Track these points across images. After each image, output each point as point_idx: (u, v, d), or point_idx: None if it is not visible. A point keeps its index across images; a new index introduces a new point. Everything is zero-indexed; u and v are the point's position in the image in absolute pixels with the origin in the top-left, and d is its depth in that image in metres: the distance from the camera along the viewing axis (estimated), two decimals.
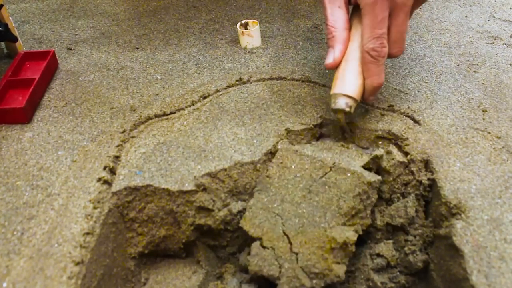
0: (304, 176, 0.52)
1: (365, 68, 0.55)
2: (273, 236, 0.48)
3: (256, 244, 0.49)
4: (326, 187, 0.50)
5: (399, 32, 0.55)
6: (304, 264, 0.46)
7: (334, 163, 0.52)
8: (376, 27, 0.53)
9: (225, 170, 0.55)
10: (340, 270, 0.46)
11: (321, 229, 0.48)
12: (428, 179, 0.53)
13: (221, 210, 0.54)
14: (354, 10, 0.60)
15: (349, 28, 0.57)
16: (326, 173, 0.52)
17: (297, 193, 0.51)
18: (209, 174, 0.54)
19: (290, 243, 0.48)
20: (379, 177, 0.52)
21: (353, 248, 0.47)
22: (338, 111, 0.55)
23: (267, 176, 0.53)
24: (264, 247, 0.48)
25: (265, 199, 0.51)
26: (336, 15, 0.57)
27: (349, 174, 0.51)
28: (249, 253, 0.49)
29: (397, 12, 0.54)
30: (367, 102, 0.58)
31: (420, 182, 0.54)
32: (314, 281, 0.46)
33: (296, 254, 0.47)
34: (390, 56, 0.57)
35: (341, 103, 0.54)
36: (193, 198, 0.54)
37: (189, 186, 0.53)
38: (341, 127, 0.58)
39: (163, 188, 0.53)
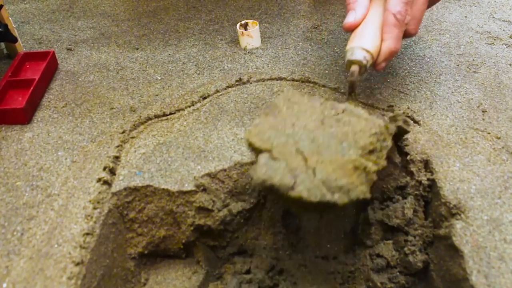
0: (316, 111, 0.46)
1: (386, 30, 0.55)
2: (285, 151, 0.41)
3: (264, 155, 0.40)
4: (340, 123, 0.44)
5: (419, 10, 0.57)
6: (325, 178, 0.39)
7: (345, 108, 0.47)
8: None
9: (225, 170, 0.55)
10: (366, 188, 0.39)
11: (338, 153, 0.41)
12: (428, 179, 0.53)
13: (220, 211, 0.54)
14: None
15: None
16: (338, 114, 0.46)
17: (309, 122, 0.44)
18: (208, 175, 0.54)
19: (306, 160, 0.40)
20: (394, 127, 0.49)
21: (374, 177, 0.41)
22: (354, 63, 0.53)
23: (275, 104, 0.47)
24: (274, 159, 0.40)
25: (273, 120, 0.44)
26: None
27: (362, 119, 0.45)
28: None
29: None
30: (377, 69, 0.57)
31: (420, 182, 0.54)
32: (336, 195, 0.38)
33: (314, 169, 0.39)
34: (405, 33, 0.57)
35: (359, 55, 0.53)
36: (193, 198, 0.54)
37: (188, 187, 0.53)
38: (350, 85, 0.53)
39: (163, 189, 0.53)
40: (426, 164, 0.54)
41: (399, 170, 0.55)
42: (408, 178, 0.55)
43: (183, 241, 0.56)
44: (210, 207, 0.54)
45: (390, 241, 0.54)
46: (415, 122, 0.59)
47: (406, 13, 0.55)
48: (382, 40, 0.56)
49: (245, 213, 0.56)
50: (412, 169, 0.54)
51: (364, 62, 0.53)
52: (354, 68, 0.53)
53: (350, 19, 0.57)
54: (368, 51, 0.53)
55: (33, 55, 0.74)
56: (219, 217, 0.54)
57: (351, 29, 0.57)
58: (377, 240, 0.55)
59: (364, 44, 0.54)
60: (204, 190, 0.54)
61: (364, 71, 0.54)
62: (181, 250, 0.57)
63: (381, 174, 0.55)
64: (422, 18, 0.58)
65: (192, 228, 0.55)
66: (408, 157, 0.55)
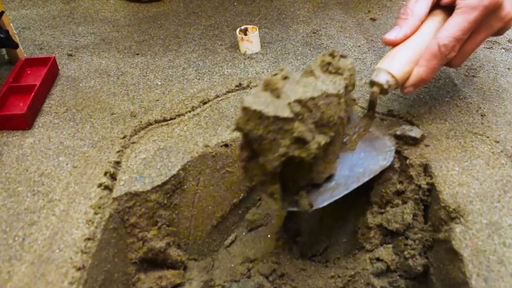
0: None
1: (425, 56, 0.53)
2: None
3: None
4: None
5: (471, 47, 0.55)
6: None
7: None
8: (461, 30, 0.52)
9: None
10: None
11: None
12: (427, 183, 0.53)
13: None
14: (435, 8, 0.58)
15: (423, 21, 0.56)
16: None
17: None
18: None
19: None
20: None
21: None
22: (376, 85, 0.54)
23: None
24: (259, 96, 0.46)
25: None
26: (420, 4, 0.56)
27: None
28: None
29: (482, 30, 0.54)
30: (403, 92, 0.56)
31: (419, 186, 0.54)
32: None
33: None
34: (448, 63, 0.56)
35: (382, 78, 0.53)
36: None
37: None
38: (370, 103, 0.56)
39: None
40: (426, 168, 0.54)
41: (398, 175, 0.55)
42: (409, 181, 0.55)
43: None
44: None
45: (390, 245, 0.54)
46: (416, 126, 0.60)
47: (452, 49, 0.53)
48: (416, 64, 0.54)
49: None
50: (411, 173, 0.55)
51: (386, 86, 0.53)
52: (375, 89, 0.54)
53: (391, 35, 0.55)
54: (393, 76, 0.53)
55: (34, 61, 0.74)
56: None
57: (389, 45, 0.56)
58: (376, 244, 0.55)
59: (392, 68, 0.53)
60: None
61: (385, 93, 0.54)
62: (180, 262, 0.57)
63: (380, 179, 0.56)
64: (470, 55, 0.57)
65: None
66: (408, 161, 0.55)
